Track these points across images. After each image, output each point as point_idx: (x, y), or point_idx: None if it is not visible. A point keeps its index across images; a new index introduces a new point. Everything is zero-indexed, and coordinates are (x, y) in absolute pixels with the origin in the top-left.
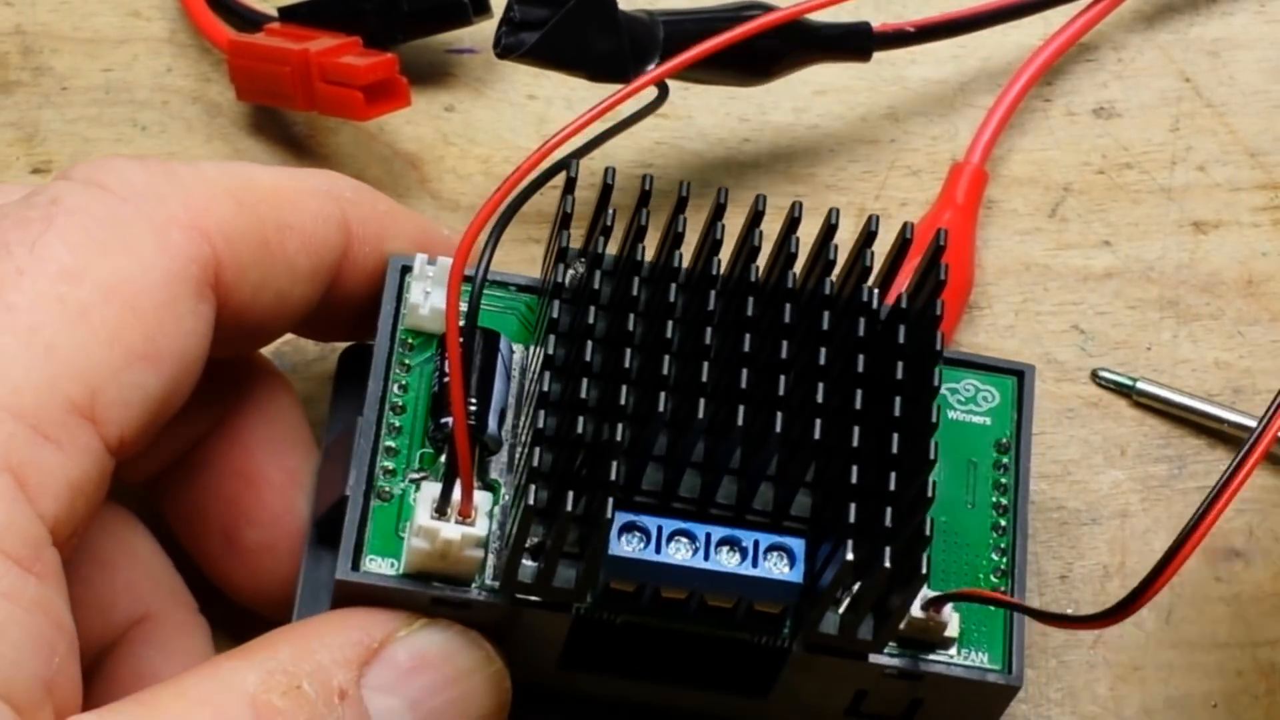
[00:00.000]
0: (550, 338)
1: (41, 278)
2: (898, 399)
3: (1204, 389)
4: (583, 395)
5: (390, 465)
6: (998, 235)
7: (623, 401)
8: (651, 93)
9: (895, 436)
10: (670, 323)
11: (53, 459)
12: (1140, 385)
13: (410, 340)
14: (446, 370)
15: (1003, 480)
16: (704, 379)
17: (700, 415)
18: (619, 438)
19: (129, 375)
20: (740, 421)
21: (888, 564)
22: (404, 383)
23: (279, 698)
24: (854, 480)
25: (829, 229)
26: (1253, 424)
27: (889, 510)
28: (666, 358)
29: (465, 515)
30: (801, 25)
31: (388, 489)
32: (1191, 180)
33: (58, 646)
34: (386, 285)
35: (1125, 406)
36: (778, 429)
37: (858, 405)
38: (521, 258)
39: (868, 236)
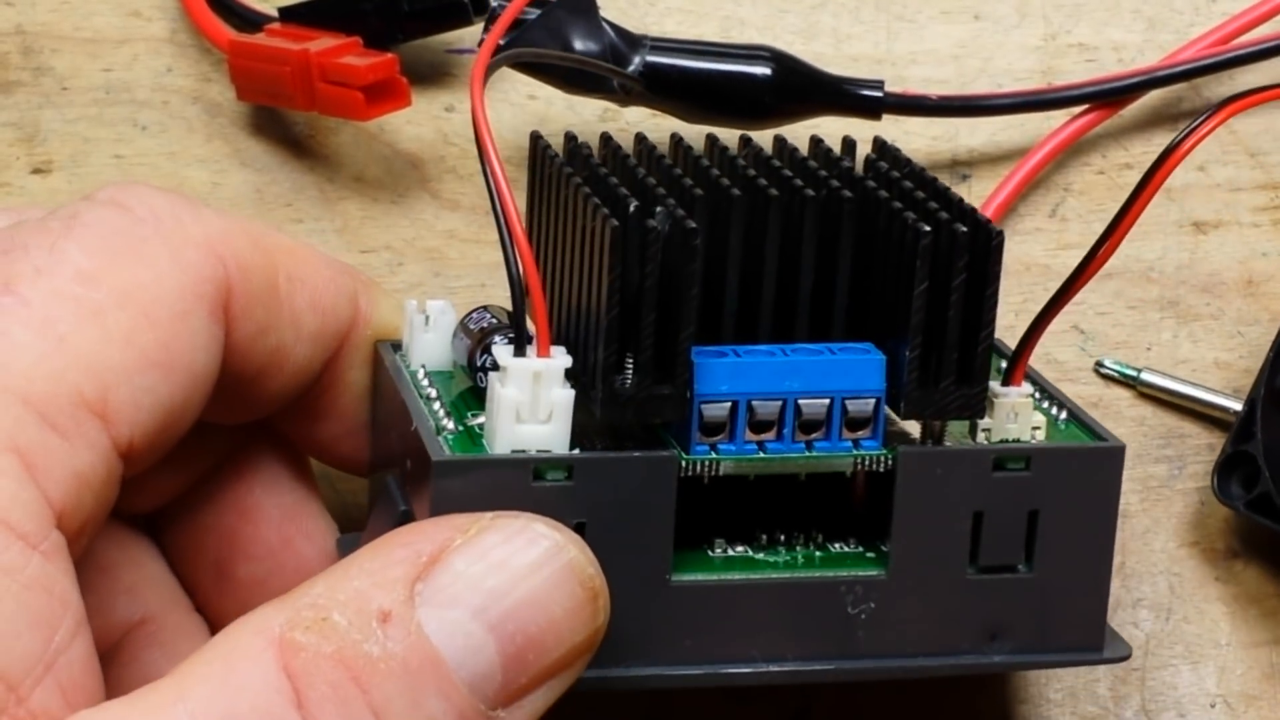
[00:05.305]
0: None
1: (58, 277)
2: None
3: None
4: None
5: (447, 417)
6: None
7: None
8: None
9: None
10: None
11: (59, 448)
12: (1145, 376)
13: (424, 370)
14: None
15: None
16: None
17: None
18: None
19: (141, 379)
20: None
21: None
22: (434, 391)
23: (302, 633)
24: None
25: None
26: None
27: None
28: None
29: (544, 354)
30: (810, 73)
31: (452, 426)
32: (1191, 180)
33: (59, 625)
34: (384, 355)
35: (1125, 406)
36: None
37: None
38: None
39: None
